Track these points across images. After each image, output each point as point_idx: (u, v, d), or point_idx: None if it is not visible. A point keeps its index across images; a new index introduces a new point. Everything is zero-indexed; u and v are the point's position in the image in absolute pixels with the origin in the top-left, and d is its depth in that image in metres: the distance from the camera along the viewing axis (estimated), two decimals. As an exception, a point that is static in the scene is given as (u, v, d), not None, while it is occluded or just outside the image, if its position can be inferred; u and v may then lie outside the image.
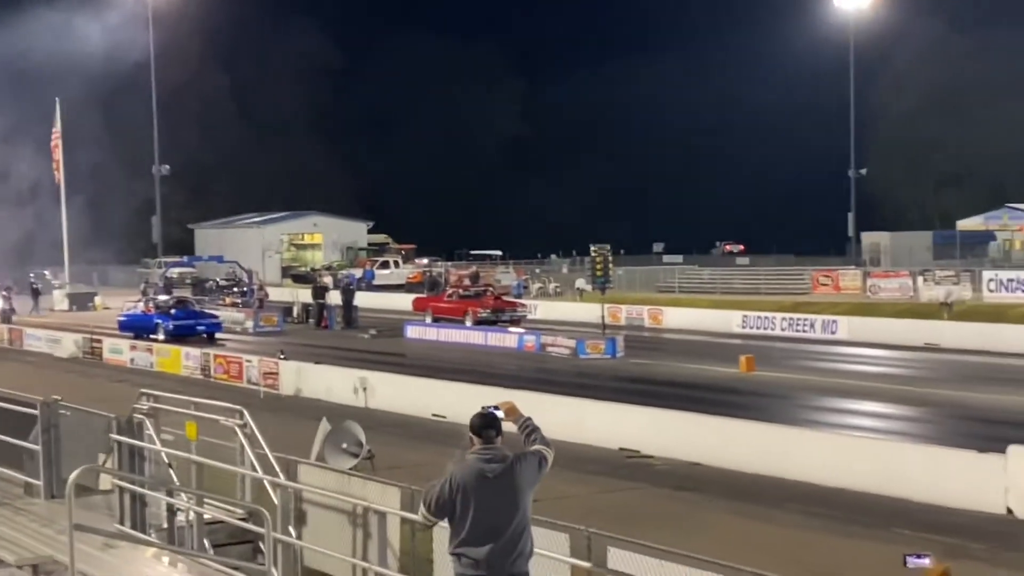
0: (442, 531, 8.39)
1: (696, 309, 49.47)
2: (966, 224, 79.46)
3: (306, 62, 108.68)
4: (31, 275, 63.93)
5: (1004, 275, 48.78)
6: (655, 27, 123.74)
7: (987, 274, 49.24)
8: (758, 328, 44.00)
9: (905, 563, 7.09)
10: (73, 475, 8.74)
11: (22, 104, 64.09)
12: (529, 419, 8.17)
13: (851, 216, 73.11)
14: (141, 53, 70.29)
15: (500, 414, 7.98)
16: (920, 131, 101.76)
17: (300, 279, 72.76)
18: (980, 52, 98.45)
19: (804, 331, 42.36)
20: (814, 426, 22.72)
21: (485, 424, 7.91)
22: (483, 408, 8.01)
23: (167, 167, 74.18)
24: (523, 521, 7.85)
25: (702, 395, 27.24)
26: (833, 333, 41.40)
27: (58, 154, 64.27)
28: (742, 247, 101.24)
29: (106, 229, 68.48)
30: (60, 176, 64.23)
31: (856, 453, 18.44)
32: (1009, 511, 16.03)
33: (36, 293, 59.59)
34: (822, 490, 17.56)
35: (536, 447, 8.01)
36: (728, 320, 45.56)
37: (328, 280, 54.94)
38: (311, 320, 49.57)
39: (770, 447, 19.21)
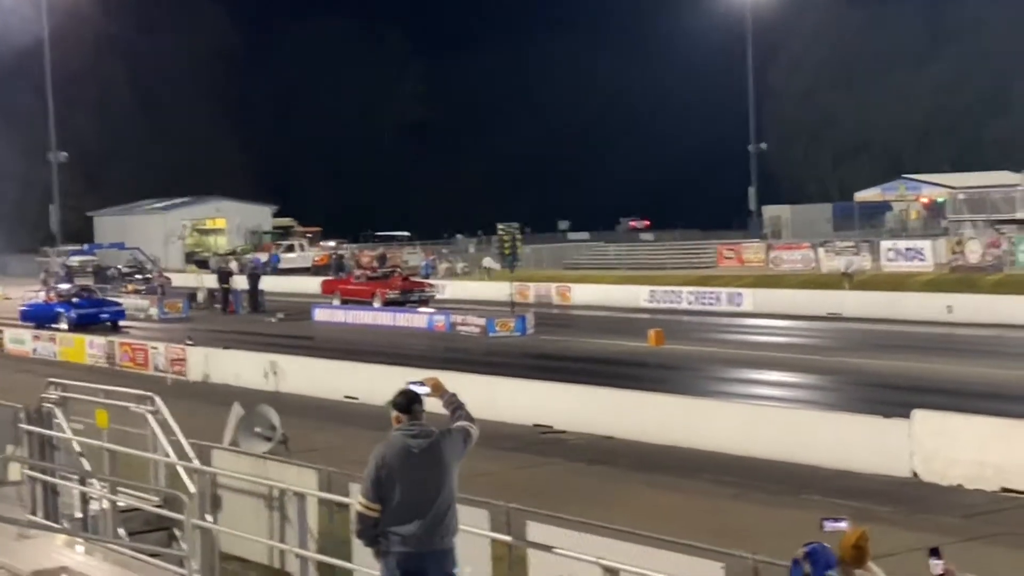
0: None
1: (603, 285, 49.78)
2: (864, 195, 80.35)
3: (206, 45, 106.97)
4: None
5: (902, 244, 49.70)
6: (557, 4, 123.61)
7: (886, 244, 50.09)
8: (665, 302, 44.37)
9: (822, 527, 7.21)
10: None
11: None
12: (454, 395, 8.19)
13: (752, 190, 73.94)
14: (34, 37, 68.75)
15: (426, 390, 7.99)
16: (817, 105, 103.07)
17: (204, 264, 71.87)
18: (873, 26, 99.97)
19: (710, 304, 42.82)
20: (723, 397, 23.04)
21: (410, 400, 7.90)
22: (408, 383, 8.02)
23: (64, 154, 72.69)
24: (449, 497, 7.86)
25: (612, 369, 27.44)
26: (738, 305, 41.91)
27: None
28: (647, 223, 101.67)
29: (2, 218, 67.02)
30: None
31: (765, 422, 18.74)
32: (915, 474, 16.39)
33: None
34: (733, 459, 17.81)
35: (461, 423, 8.03)
36: (635, 295, 45.88)
37: (233, 264, 54.31)
38: (217, 305, 49.08)
39: (681, 418, 19.45)
